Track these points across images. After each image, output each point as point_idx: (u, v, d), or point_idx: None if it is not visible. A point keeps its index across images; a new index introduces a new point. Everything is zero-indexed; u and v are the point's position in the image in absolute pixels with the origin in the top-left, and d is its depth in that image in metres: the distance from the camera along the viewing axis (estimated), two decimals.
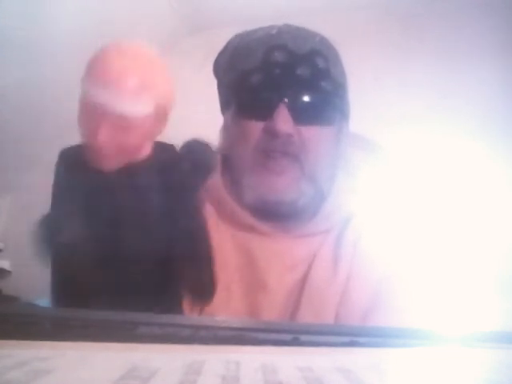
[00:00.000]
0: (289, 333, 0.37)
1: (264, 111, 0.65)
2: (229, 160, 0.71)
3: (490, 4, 1.83)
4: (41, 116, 1.82)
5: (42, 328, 0.36)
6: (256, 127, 0.65)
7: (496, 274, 1.48)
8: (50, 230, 0.48)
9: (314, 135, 0.66)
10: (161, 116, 0.46)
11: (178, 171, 0.50)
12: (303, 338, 0.37)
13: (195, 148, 0.52)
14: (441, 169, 1.69)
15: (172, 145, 0.51)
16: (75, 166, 0.48)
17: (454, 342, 0.40)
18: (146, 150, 0.47)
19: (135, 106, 0.43)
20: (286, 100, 0.64)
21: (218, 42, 0.74)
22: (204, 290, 0.53)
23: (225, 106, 0.72)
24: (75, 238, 0.46)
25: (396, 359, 0.35)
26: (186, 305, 0.59)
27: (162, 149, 0.49)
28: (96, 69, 0.45)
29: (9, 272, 2.04)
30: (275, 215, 0.68)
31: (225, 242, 0.66)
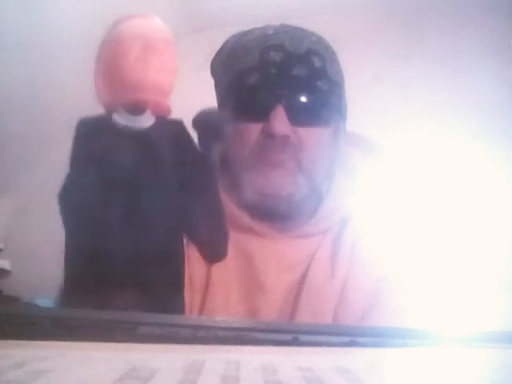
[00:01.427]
0: (288, 333, 0.37)
1: (260, 112, 0.65)
2: (226, 161, 0.71)
3: (491, 3, 1.83)
4: (41, 116, 1.82)
5: (42, 328, 0.36)
6: (253, 128, 0.65)
7: (496, 274, 1.48)
8: (67, 199, 0.50)
9: (311, 136, 0.66)
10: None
11: (190, 138, 0.53)
12: (303, 337, 0.37)
13: (207, 116, 0.55)
14: (440, 169, 1.69)
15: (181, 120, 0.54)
16: (94, 132, 0.51)
17: (454, 342, 0.40)
18: (165, 107, 0.50)
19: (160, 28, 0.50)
20: (282, 101, 0.64)
21: (218, 41, 0.74)
22: (217, 249, 0.55)
23: (222, 107, 0.72)
24: (91, 208, 0.48)
25: (396, 359, 0.35)
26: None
27: (174, 121, 0.52)
28: (121, 30, 0.50)
29: (9, 272, 2.04)
30: (273, 214, 0.68)
31: None
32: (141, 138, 0.50)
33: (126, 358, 0.30)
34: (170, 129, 0.51)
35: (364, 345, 0.36)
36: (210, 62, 0.75)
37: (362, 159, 0.73)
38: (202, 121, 0.56)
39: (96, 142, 0.50)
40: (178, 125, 0.52)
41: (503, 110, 1.73)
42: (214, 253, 0.56)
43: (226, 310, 0.63)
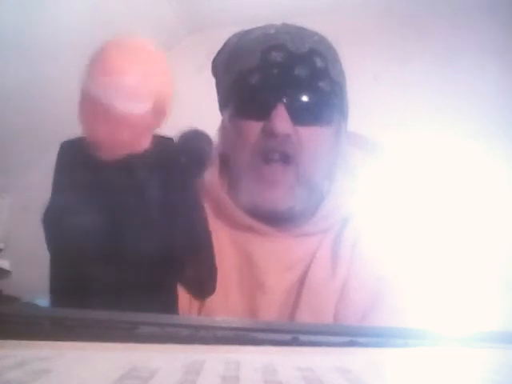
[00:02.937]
0: (288, 333, 0.37)
1: (262, 111, 0.65)
2: (227, 159, 0.71)
3: (490, 4, 1.83)
4: (41, 116, 1.83)
5: (42, 328, 0.36)
6: (254, 127, 0.65)
7: (496, 274, 1.48)
8: (51, 223, 0.48)
9: (313, 135, 0.66)
10: (159, 112, 0.46)
11: (176, 164, 0.50)
12: (303, 337, 0.37)
13: (192, 138, 0.53)
14: (440, 169, 1.69)
15: (171, 138, 0.51)
16: (76, 158, 0.49)
17: (454, 342, 0.40)
18: (145, 144, 0.47)
19: (134, 103, 0.44)
20: (284, 100, 0.64)
21: (218, 41, 0.74)
22: (205, 286, 0.53)
23: (223, 106, 0.72)
24: (75, 232, 0.46)
25: (396, 359, 0.35)
26: (182, 303, 0.59)
27: (161, 142, 0.49)
28: (96, 66, 0.45)
29: (9, 272, 2.04)
30: (272, 218, 0.68)
31: (222, 241, 0.65)
32: (125, 164, 0.47)
33: (125, 358, 0.30)
34: (159, 150, 0.48)
35: (364, 345, 0.36)
36: (210, 61, 0.75)
37: (363, 159, 0.73)
38: (190, 144, 0.53)
39: (78, 167, 0.48)
40: (168, 145, 0.49)
41: (503, 111, 1.73)
42: (201, 291, 0.54)
43: (226, 310, 0.63)
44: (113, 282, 0.46)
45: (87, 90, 0.45)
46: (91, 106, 0.44)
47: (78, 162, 0.48)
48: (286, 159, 0.65)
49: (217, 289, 0.64)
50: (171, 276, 0.50)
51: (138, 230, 0.48)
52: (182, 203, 0.50)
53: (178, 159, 0.51)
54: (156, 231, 0.48)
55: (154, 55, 0.46)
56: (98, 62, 0.45)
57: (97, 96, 0.44)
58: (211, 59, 0.75)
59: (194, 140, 0.53)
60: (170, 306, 0.51)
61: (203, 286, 0.53)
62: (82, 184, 0.47)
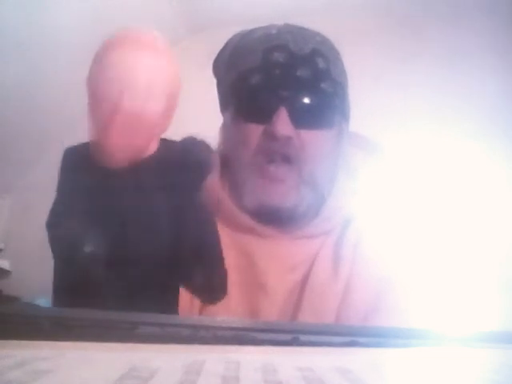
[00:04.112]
0: (289, 333, 0.37)
1: (263, 114, 0.64)
2: (228, 161, 0.71)
3: (490, 4, 1.83)
4: (41, 116, 1.83)
5: (42, 328, 0.36)
6: (255, 130, 0.65)
7: (496, 274, 1.48)
8: (55, 229, 0.48)
9: (314, 138, 0.65)
10: (169, 112, 0.45)
11: (181, 167, 0.49)
12: (303, 338, 0.37)
13: (192, 144, 0.51)
14: (441, 169, 1.69)
15: (174, 141, 0.50)
16: (80, 165, 0.47)
17: (454, 342, 0.40)
18: (154, 147, 0.46)
19: (147, 102, 0.42)
20: (285, 103, 0.63)
21: (219, 41, 0.74)
22: (215, 291, 0.52)
23: (224, 106, 0.72)
24: (79, 237, 0.46)
25: (396, 359, 0.35)
26: (183, 304, 0.59)
27: (165, 146, 0.48)
28: (105, 65, 0.43)
29: (9, 272, 2.04)
30: (275, 216, 0.68)
31: (224, 243, 0.65)
32: (131, 168, 0.46)
33: (126, 358, 0.30)
34: (165, 155, 0.47)
35: (365, 345, 0.36)
36: (210, 61, 0.75)
37: (364, 160, 0.73)
38: (191, 151, 0.51)
39: (82, 173, 0.47)
40: (174, 149, 0.48)
41: (503, 111, 1.73)
42: (212, 297, 0.53)
43: (227, 311, 0.63)
44: (116, 289, 0.46)
45: (96, 91, 0.43)
46: (102, 108, 0.42)
47: (83, 169, 0.47)
48: (288, 160, 0.65)
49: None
50: (178, 281, 0.49)
51: (145, 234, 0.47)
52: (188, 206, 0.49)
53: (182, 162, 0.49)
54: (163, 235, 0.47)
55: (161, 49, 0.44)
56: (106, 60, 0.43)
57: (108, 98, 0.42)
58: (212, 59, 0.75)
59: (194, 145, 0.52)
60: (171, 306, 0.51)
61: (214, 292, 0.52)
62: (87, 190, 0.46)
